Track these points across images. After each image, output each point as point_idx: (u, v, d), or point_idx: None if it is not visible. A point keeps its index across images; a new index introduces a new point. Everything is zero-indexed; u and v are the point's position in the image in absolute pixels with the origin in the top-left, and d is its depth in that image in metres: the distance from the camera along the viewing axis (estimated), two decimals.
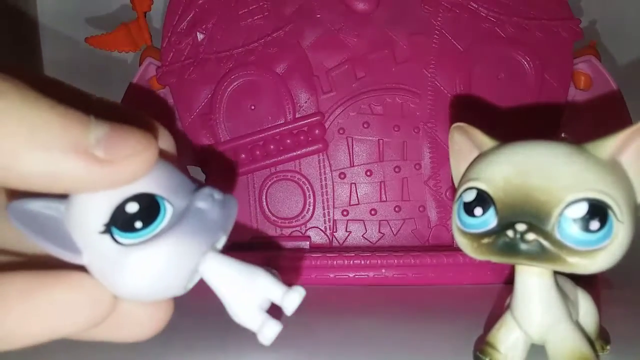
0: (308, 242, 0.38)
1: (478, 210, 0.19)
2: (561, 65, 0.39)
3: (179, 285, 0.16)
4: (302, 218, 0.38)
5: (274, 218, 0.38)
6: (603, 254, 0.17)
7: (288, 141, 0.38)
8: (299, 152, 0.38)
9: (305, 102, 0.39)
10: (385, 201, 0.38)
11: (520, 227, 0.18)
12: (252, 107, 0.38)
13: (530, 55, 0.38)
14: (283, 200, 0.38)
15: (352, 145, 0.39)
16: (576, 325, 0.21)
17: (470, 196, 0.19)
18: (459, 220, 0.20)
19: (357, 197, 0.38)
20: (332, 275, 0.35)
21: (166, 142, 0.17)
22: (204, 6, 0.39)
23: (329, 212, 0.38)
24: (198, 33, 0.39)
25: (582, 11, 0.46)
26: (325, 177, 0.38)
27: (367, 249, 0.37)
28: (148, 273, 0.15)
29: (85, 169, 0.13)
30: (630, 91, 0.38)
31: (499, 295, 0.29)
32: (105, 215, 0.15)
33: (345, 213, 0.38)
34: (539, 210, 0.18)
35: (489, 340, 0.22)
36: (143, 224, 0.15)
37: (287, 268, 0.35)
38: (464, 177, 0.20)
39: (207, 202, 0.16)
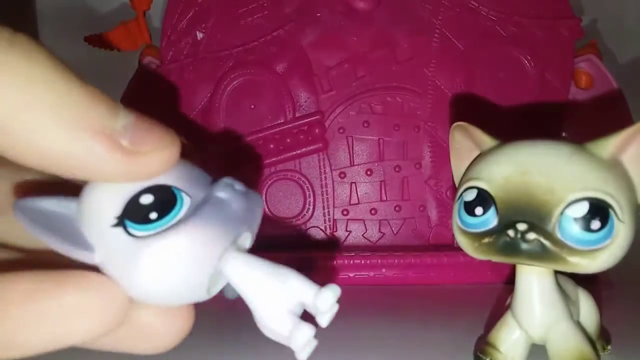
0: None
1: (479, 210, 0.19)
2: (562, 64, 0.38)
3: (201, 284, 0.14)
4: (302, 217, 0.38)
5: (274, 217, 0.38)
6: (604, 254, 0.17)
7: (288, 140, 0.38)
8: (298, 152, 0.38)
9: (305, 101, 0.39)
10: (386, 201, 0.38)
11: (521, 226, 0.18)
12: (252, 107, 0.38)
13: (531, 54, 0.38)
14: (283, 200, 0.38)
15: (352, 144, 0.39)
16: (577, 325, 0.21)
17: (470, 195, 0.19)
18: (459, 220, 0.20)
19: (357, 196, 0.38)
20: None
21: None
22: (204, 5, 0.39)
23: (329, 211, 0.38)
24: (197, 32, 0.39)
25: (583, 10, 0.46)
26: (325, 177, 0.38)
27: (368, 249, 0.36)
28: (165, 266, 0.14)
29: (109, 155, 0.13)
30: (631, 90, 0.38)
31: (499, 295, 0.29)
32: (117, 208, 0.14)
33: (345, 212, 0.38)
34: (539, 209, 0.17)
35: (490, 340, 0.22)
36: (158, 214, 0.14)
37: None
38: (465, 177, 0.20)
39: (227, 191, 0.15)
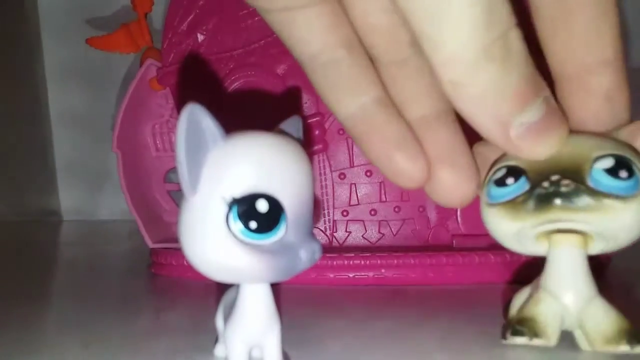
0: None
1: (510, 180, 0.19)
2: None
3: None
4: None
5: None
6: (635, 203, 0.18)
7: None
8: None
9: (305, 102, 0.39)
10: (385, 201, 0.38)
11: (555, 177, 0.18)
12: (253, 108, 0.39)
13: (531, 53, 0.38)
14: None
15: (352, 145, 0.39)
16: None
17: (499, 173, 0.20)
18: (488, 198, 0.20)
19: (357, 197, 0.38)
20: (331, 276, 0.35)
21: None
22: (205, 7, 0.39)
23: (328, 212, 0.38)
24: (198, 34, 0.39)
25: None
26: (325, 178, 0.39)
27: (367, 249, 0.36)
28: (212, 267, 0.15)
29: (488, 133, 0.14)
30: (631, 89, 0.38)
31: (499, 295, 0.29)
32: (241, 192, 0.15)
33: (345, 213, 0.38)
34: (569, 167, 0.18)
35: (525, 316, 0.20)
36: (257, 227, 0.15)
37: None
38: (490, 172, 0.21)
39: (308, 256, 0.16)
